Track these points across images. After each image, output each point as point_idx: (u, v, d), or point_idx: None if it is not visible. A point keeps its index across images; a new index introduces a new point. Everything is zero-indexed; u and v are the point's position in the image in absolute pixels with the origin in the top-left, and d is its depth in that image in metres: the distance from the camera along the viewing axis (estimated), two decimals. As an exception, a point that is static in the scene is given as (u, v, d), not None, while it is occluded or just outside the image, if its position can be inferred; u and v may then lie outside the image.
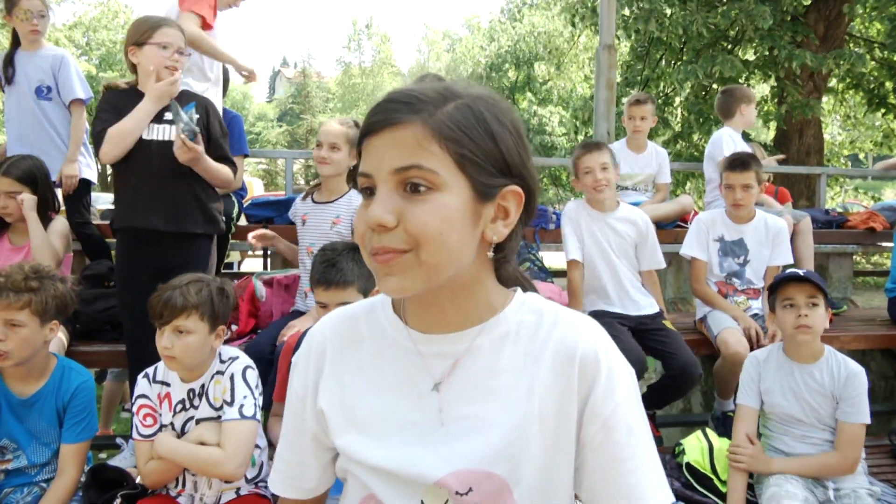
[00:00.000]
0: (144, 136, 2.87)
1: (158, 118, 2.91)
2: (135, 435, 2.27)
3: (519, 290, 1.04)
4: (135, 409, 2.28)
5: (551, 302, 1.04)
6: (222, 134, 3.10)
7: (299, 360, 1.12)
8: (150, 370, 2.33)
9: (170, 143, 2.84)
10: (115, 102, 2.93)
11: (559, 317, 1.01)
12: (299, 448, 1.12)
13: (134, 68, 2.98)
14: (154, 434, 2.26)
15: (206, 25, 3.75)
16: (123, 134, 2.84)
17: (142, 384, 2.31)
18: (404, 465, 0.97)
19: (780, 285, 2.64)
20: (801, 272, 2.62)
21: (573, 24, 12.06)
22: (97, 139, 2.88)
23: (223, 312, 2.24)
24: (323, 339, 1.10)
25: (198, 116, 2.89)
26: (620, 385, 0.97)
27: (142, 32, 2.91)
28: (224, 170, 3.02)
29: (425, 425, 0.99)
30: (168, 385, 2.29)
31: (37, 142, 3.68)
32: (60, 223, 3.34)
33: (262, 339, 3.08)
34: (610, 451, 0.96)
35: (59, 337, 2.98)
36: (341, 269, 2.35)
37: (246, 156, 4.28)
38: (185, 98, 2.99)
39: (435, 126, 0.88)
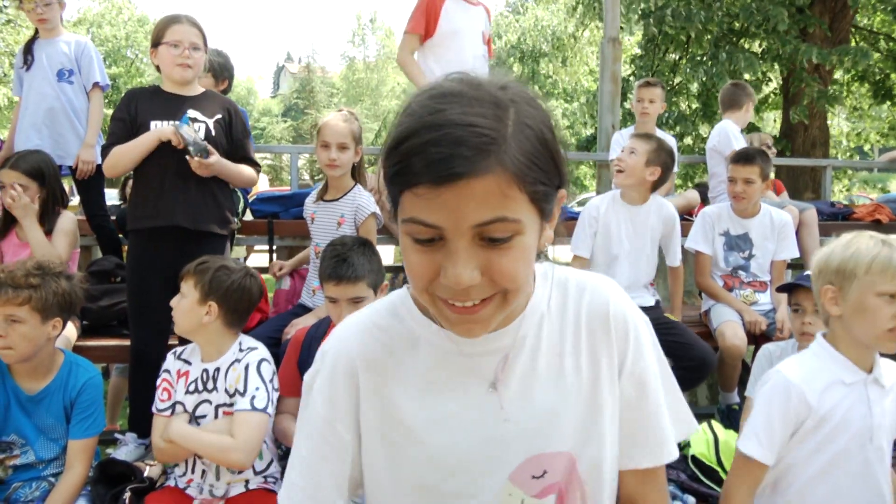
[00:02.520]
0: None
1: (175, 117, 2.92)
2: (153, 408, 2.33)
3: (542, 262, 1.02)
4: (158, 381, 2.35)
5: (568, 269, 1.05)
6: (244, 135, 3.15)
7: (322, 382, 1.01)
8: (178, 348, 2.42)
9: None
10: (132, 105, 2.94)
11: (583, 285, 1.03)
12: (315, 473, 1.01)
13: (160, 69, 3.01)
14: (168, 409, 2.30)
15: (423, 39, 3.78)
16: (120, 157, 2.90)
17: (169, 359, 2.40)
18: (477, 467, 0.97)
19: (792, 288, 2.64)
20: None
21: (574, 12, 11.98)
22: (103, 150, 2.95)
23: (216, 289, 2.28)
24: (349, 358, 1.00)
25: (197, 125, 2.93)
26: (645, 339, 1.03)
27: (156, 33, 2.95)
28: (246, 171, 3.11)
29: (488, 423, 0.97)
30: (189, 364, 2.35)
31: (54, 125, 3.71)
32: (68, 220, 3.27)
33: (259, 333, 2.98)
34: (645, 407, 1.02)
35: (68, 332, 2.99)
36: (352, 264, 2.35)
37: (250, 151, 4.27)
38: (206, 99, 3.04)
39: (514, 170, 0.79)
